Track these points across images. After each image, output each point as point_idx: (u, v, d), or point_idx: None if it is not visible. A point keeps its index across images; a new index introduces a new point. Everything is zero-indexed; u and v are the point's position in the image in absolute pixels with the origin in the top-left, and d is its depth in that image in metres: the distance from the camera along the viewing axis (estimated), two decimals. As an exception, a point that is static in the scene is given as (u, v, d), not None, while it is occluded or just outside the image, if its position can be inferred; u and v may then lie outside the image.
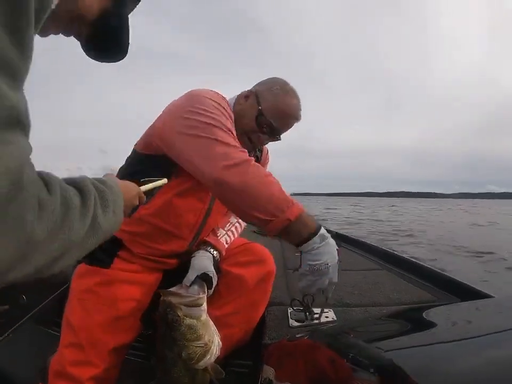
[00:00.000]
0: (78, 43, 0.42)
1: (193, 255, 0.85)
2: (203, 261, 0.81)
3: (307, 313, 0.87)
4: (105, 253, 0.79)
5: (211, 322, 0.65)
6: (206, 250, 0.86)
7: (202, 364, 0.61)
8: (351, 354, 0.48)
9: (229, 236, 0.94)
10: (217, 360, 0.91)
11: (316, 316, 0.87)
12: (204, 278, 0.76)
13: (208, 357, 0.61)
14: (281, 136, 0.88)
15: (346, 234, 2.30)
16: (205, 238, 0.89)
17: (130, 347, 0.91)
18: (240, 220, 0.98)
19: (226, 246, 0.91)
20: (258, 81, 0.88)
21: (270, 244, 2.07)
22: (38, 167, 0.27)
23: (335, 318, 0.89)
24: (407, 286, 1.23)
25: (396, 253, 1.68)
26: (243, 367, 0.99)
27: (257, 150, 0.95)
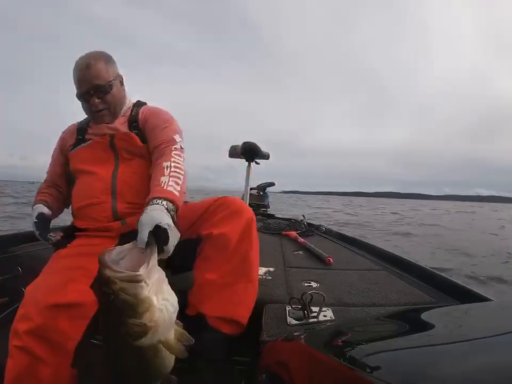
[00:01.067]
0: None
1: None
2: (152, 214, 0.74)
3: (305, 312, 0.87)
4: (64, 239, 0.98)
5: (159, 299, 0.57)
6: (154, 204, 0.78)
7: (144, 342, 0.55)
8: (345, 356, 0.48)
9: (175, 179, 0.87)
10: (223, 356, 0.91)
11: (314, 314, 0.88)
12: (156, 232, 0.69)
13: (150, 336, 0.55)
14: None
15: (346, 234, 2.30)
16: (150, 195, 0.84)
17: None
18: (175, 159, 0.93)
19: (177, 191, 0.85)
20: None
21: (269, 242, 2.08)
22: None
23: (333, 317, 0.89)
24: (406, 287, 1.23)
25: (395, 253, 1.68)
26: (241, 364, 0.99)
27: (132, 110, 1.08)
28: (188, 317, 0.88)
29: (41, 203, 1.03)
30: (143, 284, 0.54)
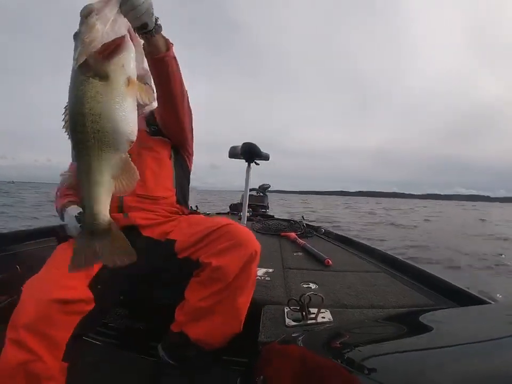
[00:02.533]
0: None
1: None
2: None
3: (303, 313, 0.87)
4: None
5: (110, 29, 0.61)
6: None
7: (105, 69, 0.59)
8: (343, 358, 0.48)
9: None
10: (214, 355, 0.93)
11: (312, 316, 0.88)
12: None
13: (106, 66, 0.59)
14: None
15: (345, 236, 2.30)
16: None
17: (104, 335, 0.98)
18: None
19: None
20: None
21: (269, 243, 2.08)
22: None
23: (332, 319, 0.89)
24: (405, 289, 1.23)
25: (394, 255, 1.68)
26: (239, 365, 0.99)
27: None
28: (173, 333, 0.91)
29: (73, 204, 1.02)
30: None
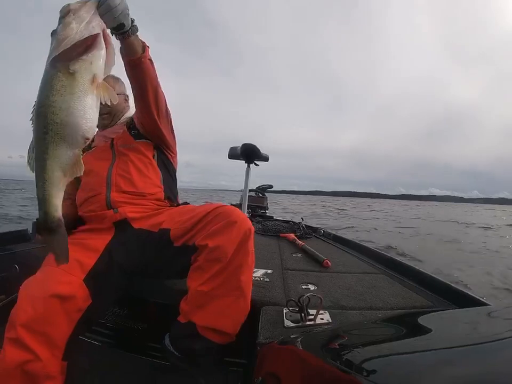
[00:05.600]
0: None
1: None
2: None
3: (302, 314, 0.87)
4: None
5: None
6: None
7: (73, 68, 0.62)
8: (342, 360, 0.48)
9: None
10: (217, 355, 0.92)
11: (311, 317, 0.87)
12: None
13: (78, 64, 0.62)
14: None
15: (344, 237, 2.30)
16: None
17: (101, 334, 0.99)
18: None
19: None
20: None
21: (268, 244, 2.08)
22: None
23: (330, 320, 0.89)
24: (404, 291, 1.23)
25: (393, 257, 1.68)
26: (238, 366, 0.99)
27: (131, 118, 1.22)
28: (180, 324, 0.90)
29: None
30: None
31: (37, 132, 0.62)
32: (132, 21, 0.81)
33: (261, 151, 2.64)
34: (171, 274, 1.03)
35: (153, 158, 1.16)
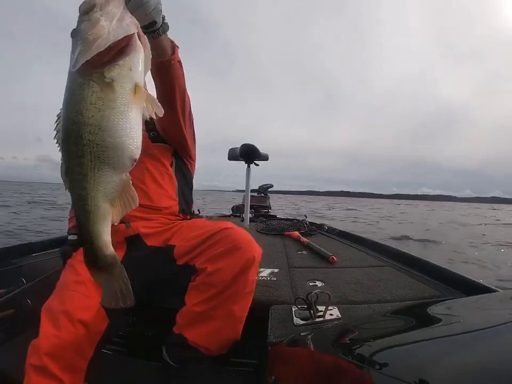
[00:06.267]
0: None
1: None
2: None
3: (311, 311, 0.87)
4: (71, 246, 0.97)
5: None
6: None
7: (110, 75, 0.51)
8: (354, 355, 0.48)
9: None
10: (220, 358, 0.92)
11: (320, 313, 0.87)
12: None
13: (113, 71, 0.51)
14: None
15: (349, 232, 2.30)
16: None
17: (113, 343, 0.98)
18: None
19: None
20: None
21: (272, 243, 2.08)
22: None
23: (340, 316, 0.89)
24: (411, 282, 1.23)
25: (398, 249, 1.67)
26: (249, 366, 0.99)
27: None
28: (173, 334, 0.90)
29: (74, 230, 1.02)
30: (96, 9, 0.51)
31: (70, 155, 0.52)
32: (163, 18, 0.72)
33: (260, 151, 2.64)
34: (175, 289, 1.02)
35: (171, 165, 1.10)
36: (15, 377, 0.71)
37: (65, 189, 0.55)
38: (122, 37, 0.51)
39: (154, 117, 0.55)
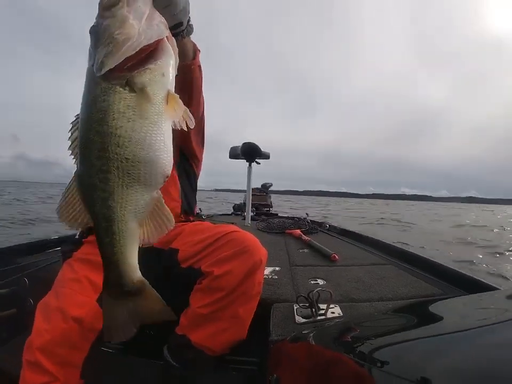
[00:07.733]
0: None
1: None
2: None
3: (313, 310, 0.87)
4: (71, 245, 0.97)
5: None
6: None
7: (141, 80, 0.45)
8: (355, 353, 0.48)
9: None
10: (224, 358, 0.92)
11: (322, 311, 0.87)
12: None
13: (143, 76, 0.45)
14: None
15: (350, 230, 2.30)
16: None
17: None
18: None
19: None
20: None
21: (274, 242, 2.08)
22: None
23: (341, 314, 0.89)
24: (413, 280, 1.23)
25: (400, 247, 1.67)
26: (251, 364, 0.99)
27: None
28: (176, 335, 0.90)
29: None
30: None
31: (92, 170, 0.46)
32: (188, 20, 0.68)
33: (261, 149, 2.63)
34: (177, 291, 1.02)
35: (175, 166, 1.07)
36: (17, 376, 0.72)
37: (63, 223, 0.49)
38: (156, 39, 0.46)
39: (185, 129, 0.50)
